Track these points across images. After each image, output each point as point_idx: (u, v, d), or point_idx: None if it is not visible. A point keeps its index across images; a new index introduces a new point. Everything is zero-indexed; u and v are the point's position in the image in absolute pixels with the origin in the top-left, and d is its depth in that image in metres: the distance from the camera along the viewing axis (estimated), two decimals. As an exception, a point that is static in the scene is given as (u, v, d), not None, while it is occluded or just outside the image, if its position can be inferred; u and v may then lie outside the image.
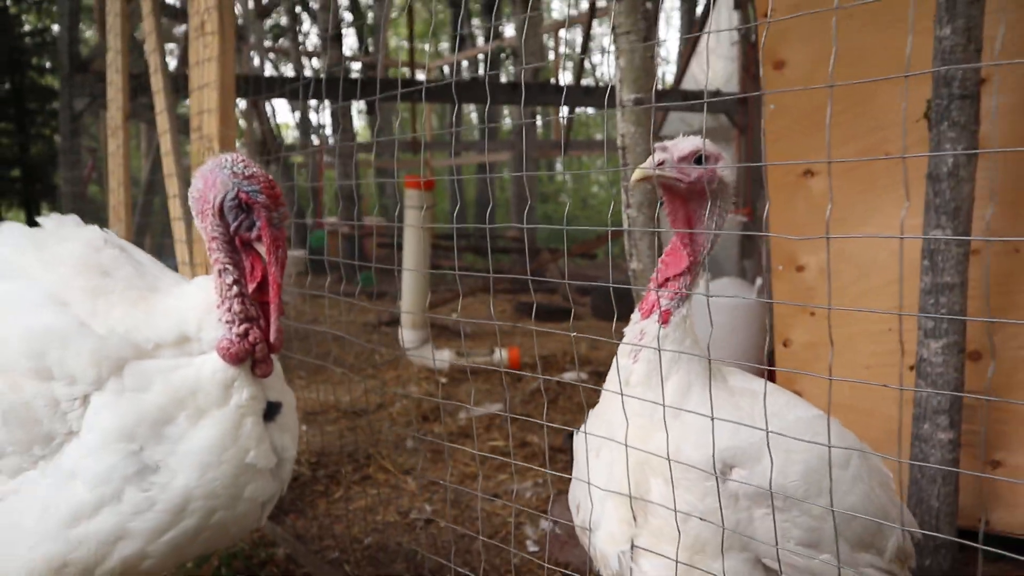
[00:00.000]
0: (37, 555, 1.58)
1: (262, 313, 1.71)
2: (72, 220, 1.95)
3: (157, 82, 3.73)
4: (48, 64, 17.39)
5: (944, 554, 2.56)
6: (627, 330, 1.66)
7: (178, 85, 5.19)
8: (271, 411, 1.77)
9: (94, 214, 6.27)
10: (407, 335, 6.10)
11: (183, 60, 6.46)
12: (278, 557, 2.86)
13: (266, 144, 9.88)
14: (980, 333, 2.72)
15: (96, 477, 1.58)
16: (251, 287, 1.70)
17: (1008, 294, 2.72)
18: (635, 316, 1.65)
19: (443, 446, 4.23)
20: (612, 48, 2.45)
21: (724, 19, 8.79)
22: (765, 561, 1.54)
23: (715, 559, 1.51)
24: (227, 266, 1.68)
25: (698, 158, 1.55)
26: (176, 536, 1.64)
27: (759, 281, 4.69)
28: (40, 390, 1.61)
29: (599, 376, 5.73)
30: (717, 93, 6.68)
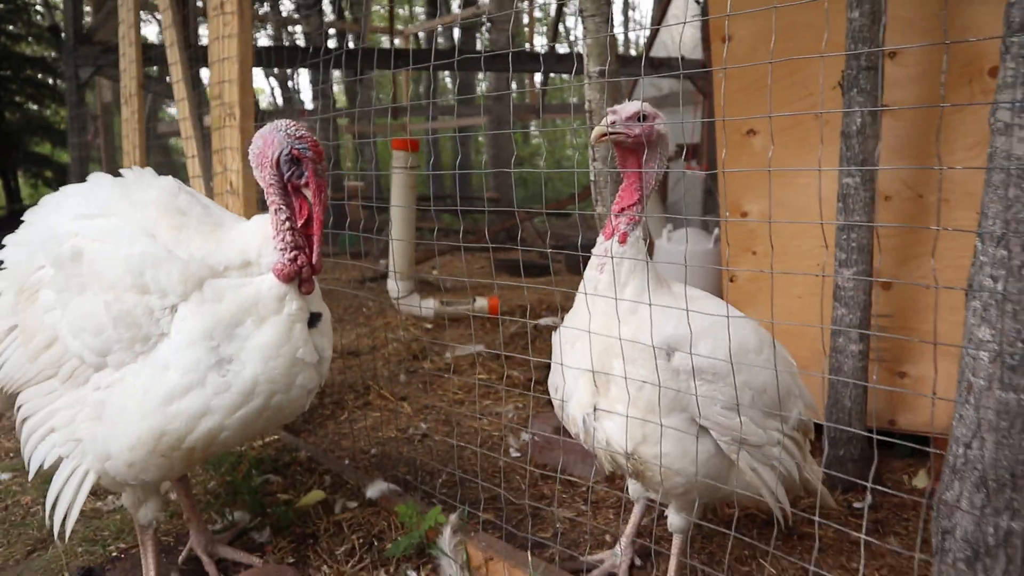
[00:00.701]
0: (143, 427, 2.05)
1: (307, 243, 2.18)
2: (149, 172, 2.40)
3: (173, 54, 4.13)
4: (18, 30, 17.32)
5: (855, 445, 3.11)
6: (594, 250, 2.15)
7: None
8: (313, 320, 2.24)
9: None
10: (395, 286, 6.56)
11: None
12: (300, 458, 3.37)
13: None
14: (890, 265, 3.25)
15: (185, 366, 2.06)
16: (299, 223, 2.16)
17: (913, 232, 3.23)
18: (600, 239, 2.15)
19: (433, 379, 4.75)
20: (581, 27, 2.92)
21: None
22: (699, 421, 2.06)
23: (662, 417, 2.02)
24: (281, 206, 2.14)
25: (640, 117, 2.05)
26: (246, 413, 2.12)
27: (716, 231, 5.21)
28: (139, 301, 2.07)
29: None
30: (683, 60, 7.13)
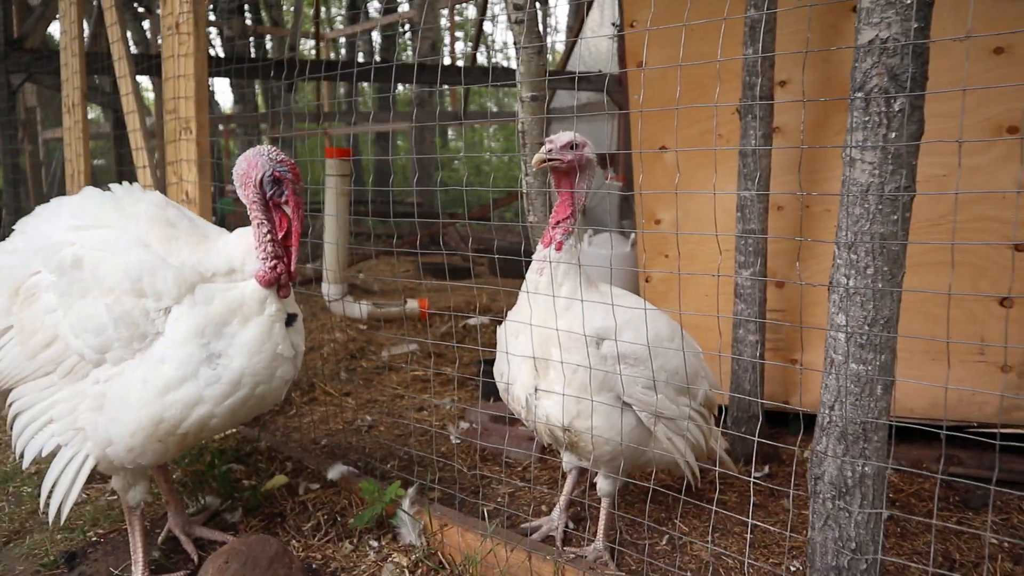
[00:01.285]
0: (142, 414, 2.32)
1: (285, 253, 2.47)
2: (137, 187, 2.66)
3: (122, 68, 4.31)
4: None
5: (754, 423, 3.58)
6: (535, 256, 2.54)
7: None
8: (290, 320, 2.54)
9: (24, 181, 6.66)
10: (329, 289, 6.81)
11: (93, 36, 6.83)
12: (260, 448, 3.64)
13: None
14: (782, 266, 3.74)
15: (179, 361, 2.33)
16: (279, 235, 2.46)
17: (799, 243, 3.73)
18: (539, 247, 2.53)
19: (372, 375, 5.06)
20: (514, 54, 3.30)
21: (608, 2, 9.74)
22: (623, 398, 2.46)
23: (593, 396, 2.42)
24: (263, 221, 2.43)
25: (572, 145, 2.44)
26: (234, 401, 2.40)
27: (632, 236, 5.67)
28: (137, 304, 2.34)
29: (498, 323, 6.65)
30: (600, 72, 7.64)
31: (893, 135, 1.83)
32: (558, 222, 2.50)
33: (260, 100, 17.78)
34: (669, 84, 3.89)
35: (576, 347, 2.41)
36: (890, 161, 1.85)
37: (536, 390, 2.49)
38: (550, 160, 2.44)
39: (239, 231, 2.53)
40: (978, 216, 3.25)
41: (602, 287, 2.57)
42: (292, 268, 2.47)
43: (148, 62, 6.62)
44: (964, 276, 3.30)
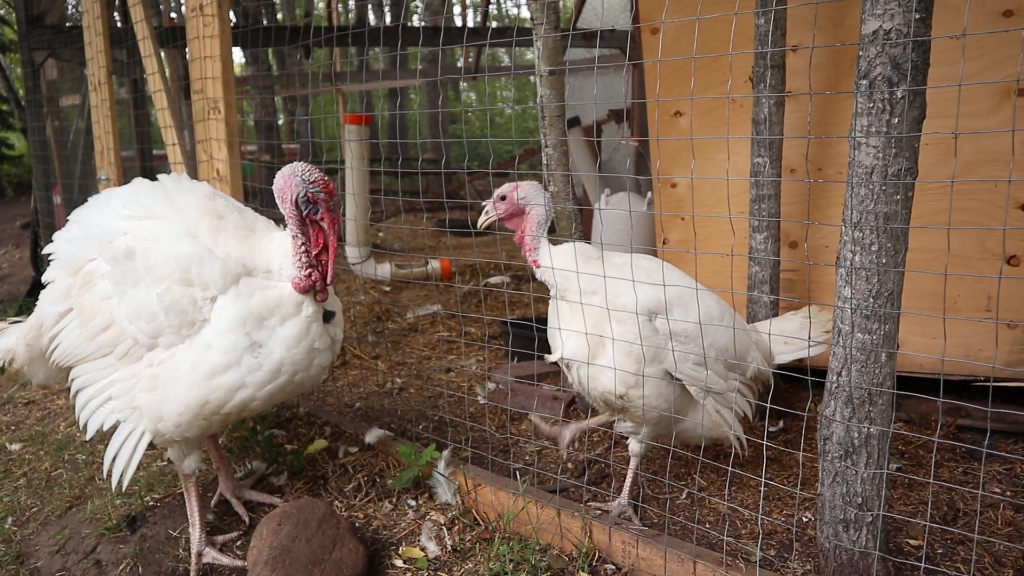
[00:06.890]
0: (191, 396, 2.49)
1: (320, 263, 2.55)
2: (185, 177, 2.80)
3: (147, 48, 4.42)
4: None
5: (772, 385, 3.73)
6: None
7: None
8: (328, 316, 2.68)
9: (51, 157, 6.79)
10: (352, 252, 6.97)
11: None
12: (300, 414, 3.84)
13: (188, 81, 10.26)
14: (795, 227, 3.85)
15: (225, 348, 2.48)
16: (315, 250, 2.55)
17: (814, 200, 3.83)
18: None
19: (399, 337, 5.24)
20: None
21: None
22: (672, 372, 2.61)
23: (646, 367, 2.57)
24: (298, 234, 2.53)
25: (502, 197, 2.72)
26: (273, 387, 2.56)
27: (649, 195, 5.76)
28: (185, 292, 2.49)
29: (519, 279, 6.80)
30: (613, 30, 7.61)
31: (896, 121, 1.93)
32: (526, 250, 2.76)
33: (272, 60, 17.76)
34: (682, 49, 3.96)
35: (631, 322, 2.56)
36: (893, 145, 1.96)
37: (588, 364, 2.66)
38: (490, 219, 2.77)
39: (281, 235, 2.64)
40: (986, 176, 3.34)
41: (615, 259, 2.71)
42: (328, 278, 2.57)
43: (161, 35, 6.70)
44: (971, 235, 3.40)
